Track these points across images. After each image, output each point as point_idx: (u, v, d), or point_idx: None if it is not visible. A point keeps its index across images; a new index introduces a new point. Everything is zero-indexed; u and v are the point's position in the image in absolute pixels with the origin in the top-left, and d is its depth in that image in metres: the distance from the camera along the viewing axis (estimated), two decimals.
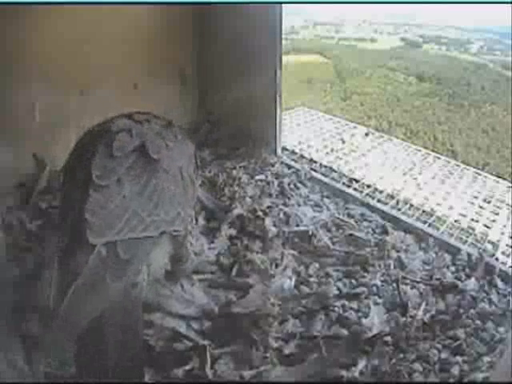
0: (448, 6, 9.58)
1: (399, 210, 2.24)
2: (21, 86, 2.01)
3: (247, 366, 1.38)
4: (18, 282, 1.58)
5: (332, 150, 2.90)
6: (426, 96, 8.72)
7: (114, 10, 2.23)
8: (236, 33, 2.56)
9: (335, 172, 2.57)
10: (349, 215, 2.14)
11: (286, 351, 1.43)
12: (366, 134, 3.22)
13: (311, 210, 2.14)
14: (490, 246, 2.04)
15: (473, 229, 2.19)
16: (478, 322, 1.57)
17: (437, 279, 1.75)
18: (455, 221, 2.23)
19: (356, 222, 2.06)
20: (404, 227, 2.06)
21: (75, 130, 1.66)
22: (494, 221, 2.27)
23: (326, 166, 2.64)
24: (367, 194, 2.33)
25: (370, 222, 2.10)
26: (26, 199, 2.08)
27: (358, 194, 2.30)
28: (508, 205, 2.42)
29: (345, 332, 1.50)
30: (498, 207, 2.41)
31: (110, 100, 2.22)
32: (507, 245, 2.06)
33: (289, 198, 2.22)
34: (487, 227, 2.21)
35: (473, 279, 1.75)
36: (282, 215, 2.06)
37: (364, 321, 1.54)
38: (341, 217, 2.09)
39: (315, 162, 2.67)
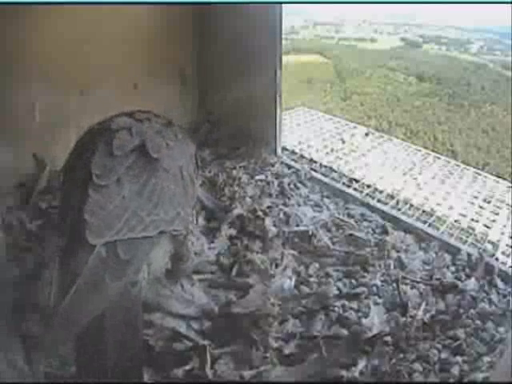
0: (448, 6, 9.59)
1: (399, 210, 2.24)
2: (21, 85, 2.01)
3: (247, 365, 1.37)
4: (17, 281, 1.58)
5: (332, 150, 2.90)
6: (426, 96, 8.72)
7: (114, 10, 2.23)
8: (236, 33, 2.56)
9: (335, 172, 2.57)
10: (349, 215, 2.14)
11: (286, 351, 1.43)
12: (366, 134, 3.22)
13: (311, 210, 2.14)
14: (490, 246, 2.04)
15: (473, 229, 2.19)
16: (478, 321, 1.57)
17: (437, 279, 1.75)
18: (455, 221, 2.23)
19: (356, 222, 2.06)
20: (404, 227, 2.06)
21: (75, 130, 1.66)
22: (494, 221, 2.27)
23: (326, 166, 2.64)
24: (367, 194, 2.33)
25: (370, 222, 2.10)
26: (26, 199, 2.08)
27: (358, 194, 2.30)
28: (508, 205, 2.42)
29: (345, 332, 1.50)
30: (498, 207, 2.41)
31: (110, 100, 2.22)
32: (507, 245, 2.05)
33: (289, 198, 2.22)
34: (487, 227, 2.21)
35: (473, 279, 1.75)
36: (282, 215, 2.05)
37: (364, 321, 1.53)
38: (341, 217, 2.09)
39: (315, 161, 2.67)
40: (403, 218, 2.13)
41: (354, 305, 1.62)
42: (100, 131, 1.49)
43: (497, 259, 1.92)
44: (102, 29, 2.25)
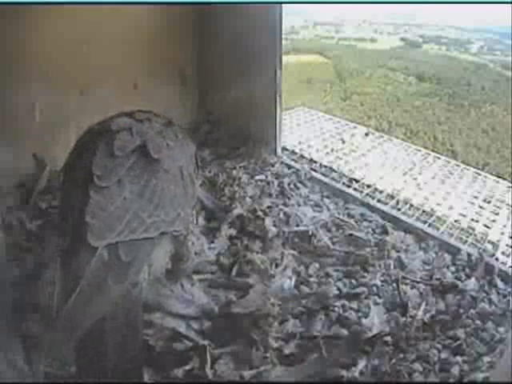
0: (448, 6, 9.59)
1: (399, 210, 2.24)
2: (21, 85, 2.01)
3: (247, 365, 1.37)
4: (18, 281, 1.58)
5: (332, 150, 2.90)
6: (425, 96, 8.71)
7: (114, 10, 2.23)
8: (236, 33, 2.56)
9: (335, 172, 2.57)
10: (349, 215, 2.14)
11: (286, 351, 1.43)
12: (366, 134, 3.22)
13: (311, 210, 2.14)
14: (490, 246, 2.04)
15: (473, 229, 2.19)
16: (478, 321, 1.57)
17: (437, 279, 1.75)
18: (455, 221, 2.23)
19: (356, 222, 2.06)
20: (404, 227, 2.06)
21: (75, 130, 1.66)
22: (493, 221, 2.27)
23: (326, 166, 2.64)
24: (367, 194, 2.33)
25: (370, 222, 2.10)
26: (26, 199, 2.08)
27: (358, 194, 2.30)
28: (508, 205, 2.42)
29: (345, 332, 1.50)
30: (498, 207, 2.41)
31: (109, 100, 2.22)
32: (507, 245, 2.06)
33: (289, 198, 2.22)
34: (487, 227, 2.21)
35: (473, 279, 1.75)
36: (282, 215, 2.05)
37: (364, 321, 1.54)
38: (341, 217, 2.09)
39: (315, 161, 2.67)
40: (403, 218, 2.13)
41: (354, 305, 1.62)
42: (100, 131, 1.49)
43: (497, 259, 1.92)
44: (102, 29, 2.25)
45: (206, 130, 2.79)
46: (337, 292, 1.67)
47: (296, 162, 2.61)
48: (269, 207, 2.09)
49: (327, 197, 2.29)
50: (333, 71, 10.02)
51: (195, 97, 2.88)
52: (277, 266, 1.76)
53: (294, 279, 1.70)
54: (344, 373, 1.35)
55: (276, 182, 2.33)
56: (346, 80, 9.51)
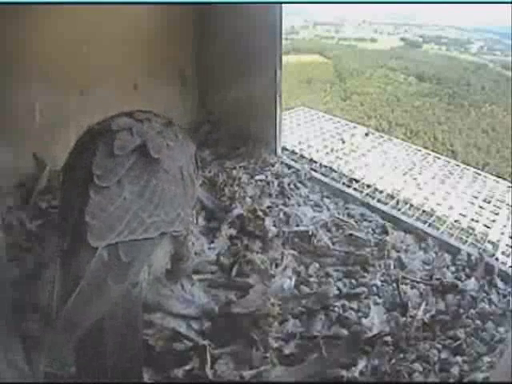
0: (448, 6, 9.59)
1: (399, 210, 2.24)
2: (21, 85, 2.01)
3: (247, 365, 1.37)
4: (18, 281, 1.58)
5: (332, 150, 2.90)
6: (426, 96, 8.72)
7: (114, 10, 2.23)
8: (236, 33, 2.56)
9: (335, 172, 2.57)
10: (349, 215, 2.14)
11: (286, 351, 1.43)
12: (366, 134, 3.22)
13: (311, 210, 2.14)
14: (490, 246, 2.04)
15: (473, 229, 2.19)
16: (478, 321, 1.57)
17: (437, 279, 1.75)
18: (455, 221, 2.23)
19: (356, 222, 2.06)
20: (404, 227, 2.06)
21: (75, 130, 1.66)
22: (493, 221, 2.27)
23: (326, 166, 2.64)
24: (367, 194, 2.33)
25: (370, 222, 2.10)
26: (26, 199, 2.08)
27: (358, 194, 2.30)
28: (508, 205, 2.42)
29: (345, 332, 1.50)
30: (498, 207, 2.41)
31: (109, 100, 2.22)
32: (507, 245, 2.06)
33: (289, 198, 2.22)
34: (487, 227, 2.21)
35: (473, 279, 1.75)
36: (282, 215, 2.05)
37: (364, 321, 1.53)
38: (341, 217, 2.09)
39: (315, 162, 2.67)
40: (403, 218, 2.13)
41: (354, 305, 1.62)
42: (100, 131, 1.49)
43: (497, 259, 1.92)
44: (102, 29, 2.25)
45: (206, 130, 2.79)
46: (337, 292, 1.67)
47: (296, 162, 2.61)
48: (269, 207, 2.09)
49: (327, 197, 2.29)
50: (333, 71, 10.02)
51: (195, 97, 2.88)
52: (277, 265, 1.76)
53: (293, 279, 1.70)
54: (344, 373, 1.35)
55: (276, 182, 2.33)
56: (346, 80, 9.52)
